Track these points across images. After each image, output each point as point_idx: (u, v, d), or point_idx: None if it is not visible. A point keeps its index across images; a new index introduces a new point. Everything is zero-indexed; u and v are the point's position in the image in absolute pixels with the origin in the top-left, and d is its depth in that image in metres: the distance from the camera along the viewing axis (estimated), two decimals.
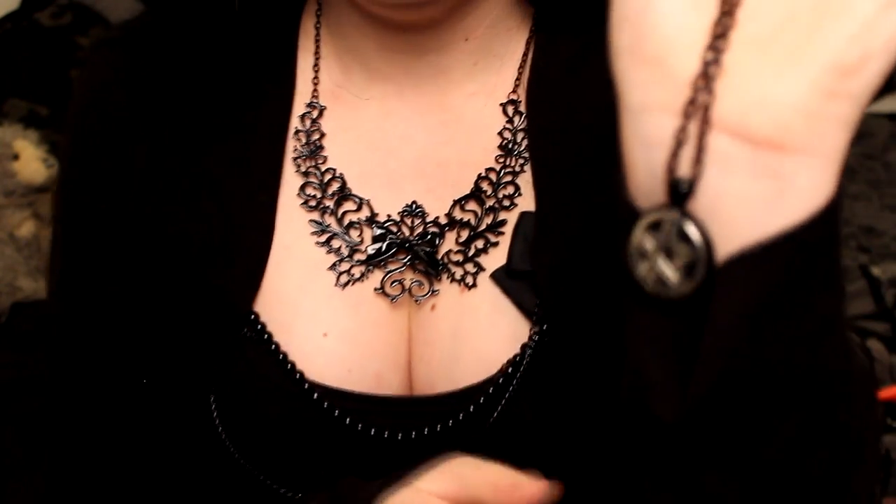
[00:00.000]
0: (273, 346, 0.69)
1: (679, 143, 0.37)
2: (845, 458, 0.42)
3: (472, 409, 0.68)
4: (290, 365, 0.69)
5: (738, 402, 0.39)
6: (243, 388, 0.69)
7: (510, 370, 0.67)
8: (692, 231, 0.37)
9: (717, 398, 0.38)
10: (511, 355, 0.68)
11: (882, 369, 1.74)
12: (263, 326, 0.69)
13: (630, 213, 0.40)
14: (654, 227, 0.38)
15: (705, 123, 0.36)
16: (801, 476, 0.41)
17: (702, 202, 0.37)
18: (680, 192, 0.37)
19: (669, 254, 0.38)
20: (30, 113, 2.02)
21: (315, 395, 0.68)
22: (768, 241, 0.36)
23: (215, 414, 0.70)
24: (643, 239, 0.39)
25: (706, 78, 0.36)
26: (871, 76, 0.36)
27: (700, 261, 0.37)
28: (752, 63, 0.36)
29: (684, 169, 0.37)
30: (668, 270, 0.38)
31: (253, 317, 0.69)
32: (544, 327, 0.68)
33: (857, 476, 0.43)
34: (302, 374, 0.69)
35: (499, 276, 0.69)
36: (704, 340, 0.37)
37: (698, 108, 0.36)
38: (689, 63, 0.37)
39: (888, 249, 2.02)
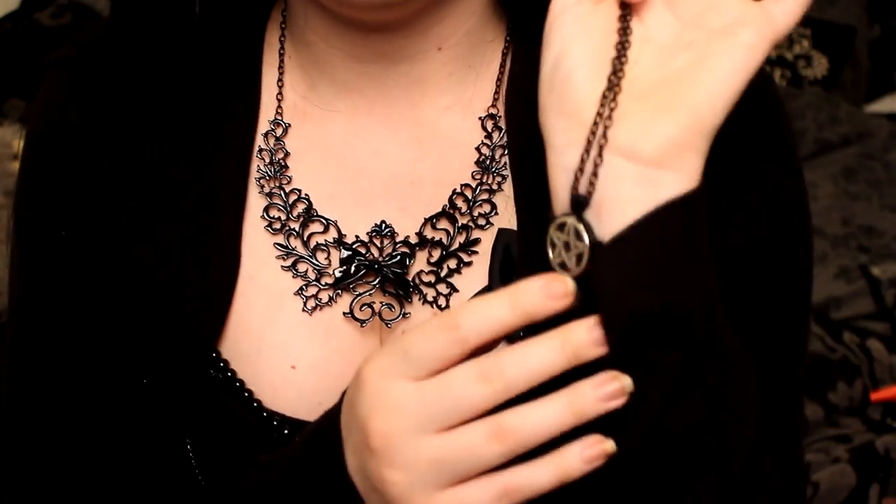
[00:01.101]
0: (238, 383, 0.67)
1: (581, 168, 0.53)
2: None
3: None
4: (255, 403, 0.67)
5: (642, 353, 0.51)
6: (213, 429, 0.68)
7: None
8: (583, 232, 0.52)
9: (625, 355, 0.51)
10: None
11: (882, 369, 1.74)
12: (227, 364, 0.67)
13: (548, 219, 0.55)
14: (560, 227, 0.53)
15: (599, 154, 0.52)
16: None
17: (601, 206, 0.52)
18: (579, 203, 0.53)
19: (568, 247, 0.53)
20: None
21: (286, 431, 0.66)
22: (635, 221, 0.51)
23: (190, 453, 0.68)
24: (553, 235, 0.53)
25: (602, 122, 0.52)
26: (719, 123, 0.52)
27: (586, 252, 0.52)
28: (639, 110, 0.52)
29: (584, 186, 0.53)
30: (567, 259, 0.53)
31: (217, 355, 0.67)
32: None
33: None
34: (270, 411, 0.67)
35: None
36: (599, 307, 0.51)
37: (596, 142, 0.52)
38: (593, 113, 0.52)
39: (888, 249, 2.02)
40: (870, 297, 1.90)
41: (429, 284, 0.68)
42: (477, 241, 0.69)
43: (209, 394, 0.67)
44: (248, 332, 0.68)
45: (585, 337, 0.50)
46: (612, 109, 0.52)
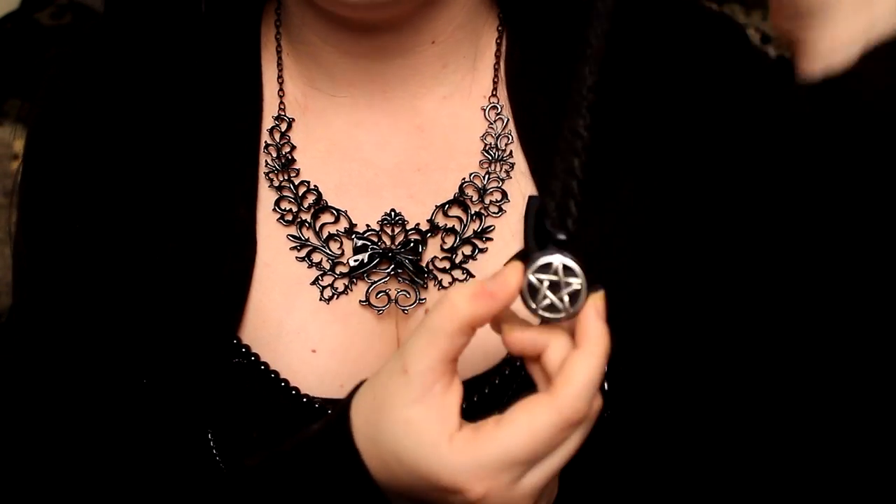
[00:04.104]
0: (262, 366, 0.68)
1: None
2: None
3: (475, 399, 0.67)
4: (283, 383, 0.67)
5: None
6: (237, 417, 0.68)
7: (518, 363, 0.66)
8: (576, 266, 0.50)
9: None
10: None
11: None
12: (248, 349, 0.68)
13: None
14: (542, 269, 0.51)
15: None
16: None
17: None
18: (558, 242, 0.51)
19: (556, 288, 0.50)
20: None
21: (316, 405, 0.67)
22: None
23: (211, 443, 0.68)
24: (533, 278, 0.51)
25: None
26: None
27: (584, 287, 0.50)
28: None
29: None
30: (557, 301, 0.51)
31: (237, 342, 0.68)
32: None
33: None
34: (296, 390, 0.67)
35: None
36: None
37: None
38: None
39: None
40: None
41: (443, 270, 0.69)
42: (491, 229, 0.70)
43: (232, 382, 0.68)
44: (266, 319, 0.69)
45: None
46: None
